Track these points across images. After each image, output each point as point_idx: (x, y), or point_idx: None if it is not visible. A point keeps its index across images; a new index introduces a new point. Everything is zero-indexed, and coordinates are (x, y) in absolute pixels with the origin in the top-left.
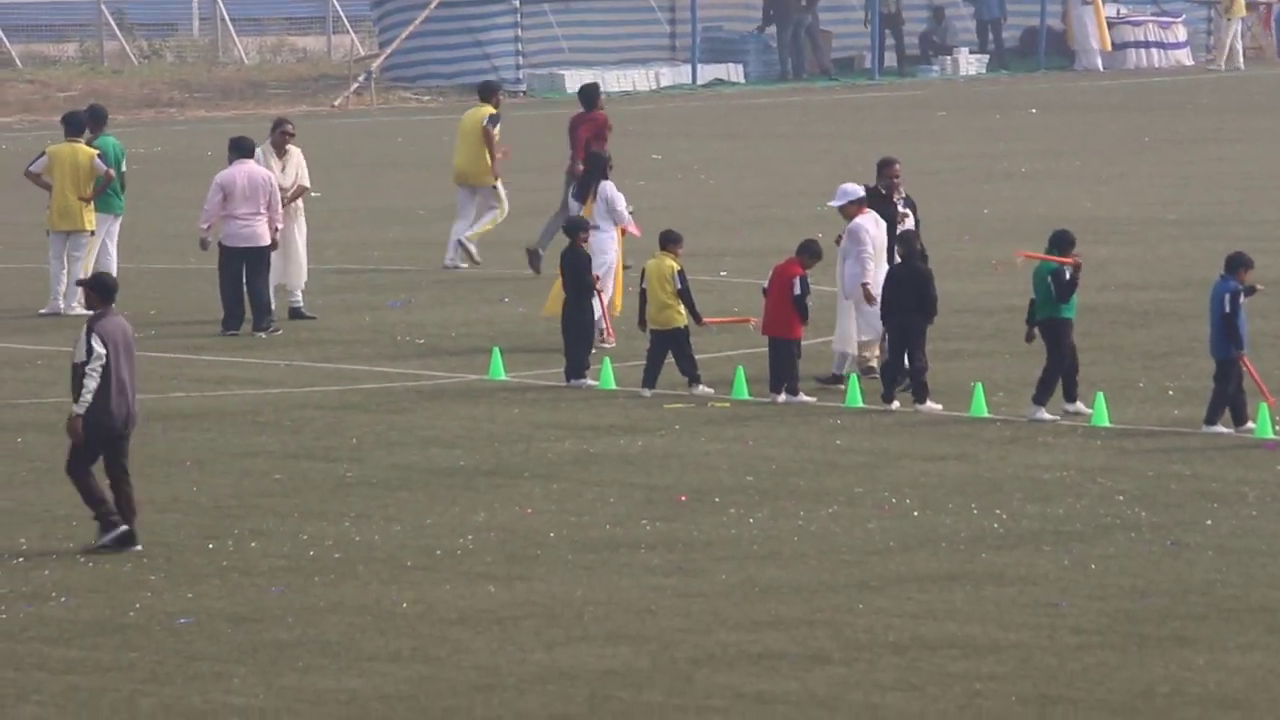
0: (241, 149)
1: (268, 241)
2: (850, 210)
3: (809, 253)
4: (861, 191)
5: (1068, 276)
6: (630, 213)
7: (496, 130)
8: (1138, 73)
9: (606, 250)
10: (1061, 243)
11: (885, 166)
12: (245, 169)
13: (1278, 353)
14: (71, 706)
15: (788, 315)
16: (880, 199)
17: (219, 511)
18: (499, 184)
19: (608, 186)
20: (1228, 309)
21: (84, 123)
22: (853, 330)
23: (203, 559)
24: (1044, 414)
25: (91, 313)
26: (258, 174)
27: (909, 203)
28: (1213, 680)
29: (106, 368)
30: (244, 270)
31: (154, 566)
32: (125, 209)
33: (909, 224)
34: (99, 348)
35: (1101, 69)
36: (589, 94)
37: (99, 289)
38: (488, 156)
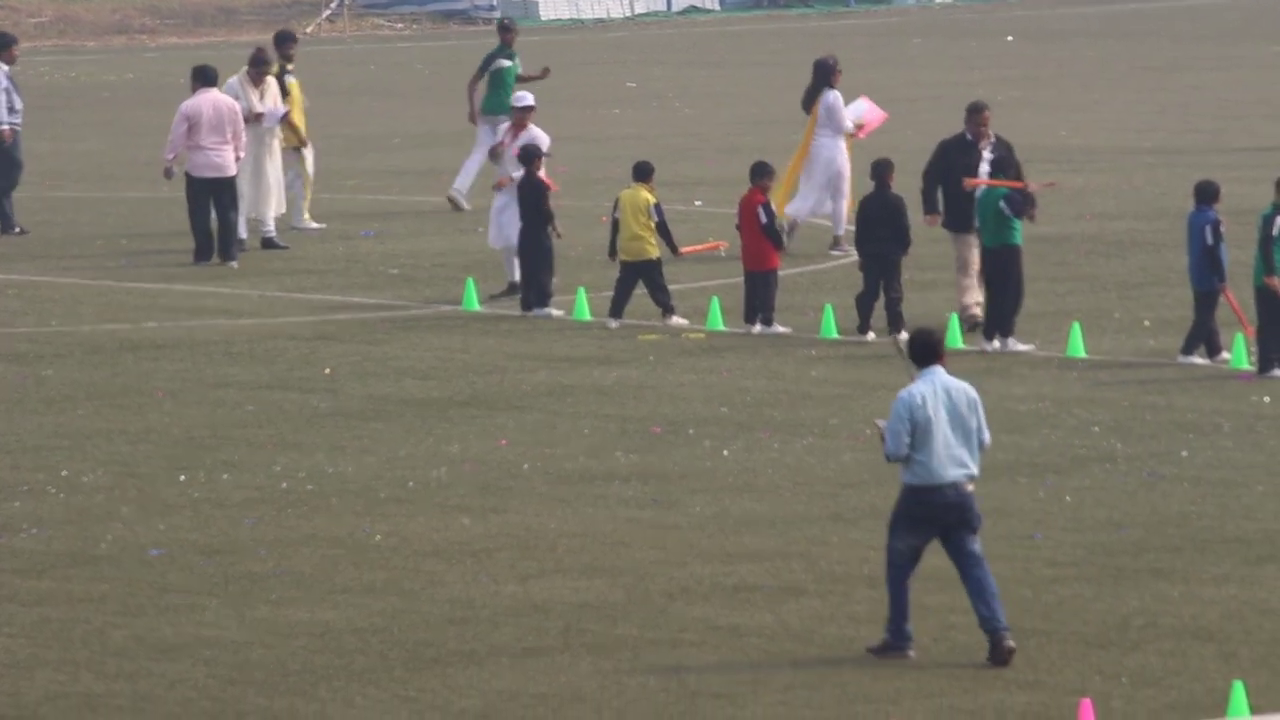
0: (205, 78)
1: (235, 171)
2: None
3: (762, 174)
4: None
5: (1025, 194)
6: (856, 119)
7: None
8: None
9: (834, 158)
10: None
11: (974, 113)
12: (210, 98)
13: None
14: (43, 638)
15: (760, 246)
16: (964, 146)
17: (191, 443)
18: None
19: (830, 95)
20: (1210, 240)
21: None
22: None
23: (175, 490)
24: (1012, 344)
25: None
26: (223, 103)
27: (999, 146)
28: (1187, 612)
29: None
30: (212, 200)
31: (125, 498)
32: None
33: (984, 169)
34: None
35: None
36: None
37: None
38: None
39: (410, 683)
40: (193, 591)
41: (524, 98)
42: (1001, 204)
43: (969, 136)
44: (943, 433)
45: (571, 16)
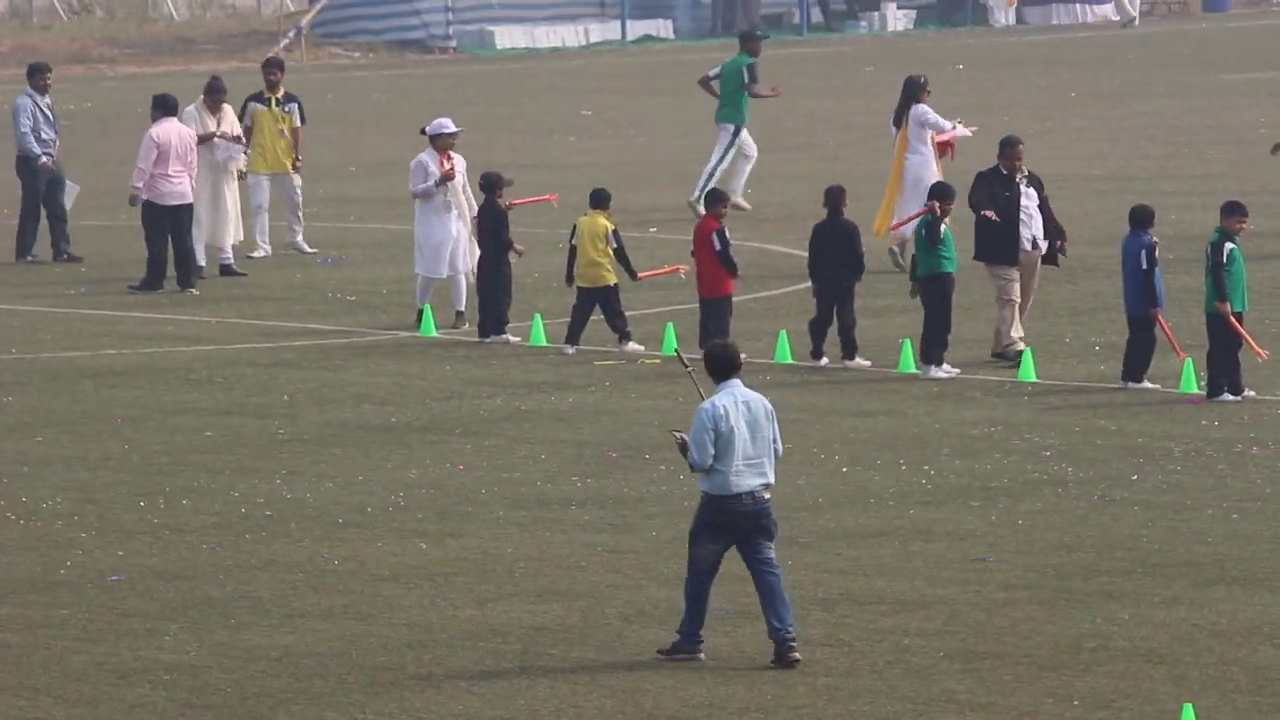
0: (167, 106)
1: (193, 198)
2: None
3: (717, 201)
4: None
5: (934, 219)
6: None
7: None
8: (1063, 28)
9: (923, 175)
10: (938, 194)
11: (1008, 147)
12: (175, 127)
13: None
14: (2, 664)
15: (714, 272)
16: (1002, 179)
17: (151, 469)
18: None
19: (918, 109)
20: (1144, 265)
21: None
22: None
23: (134, 516)
24: (941, 371)
25: None
26: (185, 132)
27: (1033, 180)
28: (1138, 634)
29: None
30: (170, 228)
31: (85, 524)
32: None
33: (1031, 207)
34: None
35: (1009, 24)
36: None
37: None
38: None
39: (368, 706)
40: (152, 616)
41: (444, 125)
42: (922, 233)
43: (1004, 170)
44: (742, 443)
45: (527, 45)
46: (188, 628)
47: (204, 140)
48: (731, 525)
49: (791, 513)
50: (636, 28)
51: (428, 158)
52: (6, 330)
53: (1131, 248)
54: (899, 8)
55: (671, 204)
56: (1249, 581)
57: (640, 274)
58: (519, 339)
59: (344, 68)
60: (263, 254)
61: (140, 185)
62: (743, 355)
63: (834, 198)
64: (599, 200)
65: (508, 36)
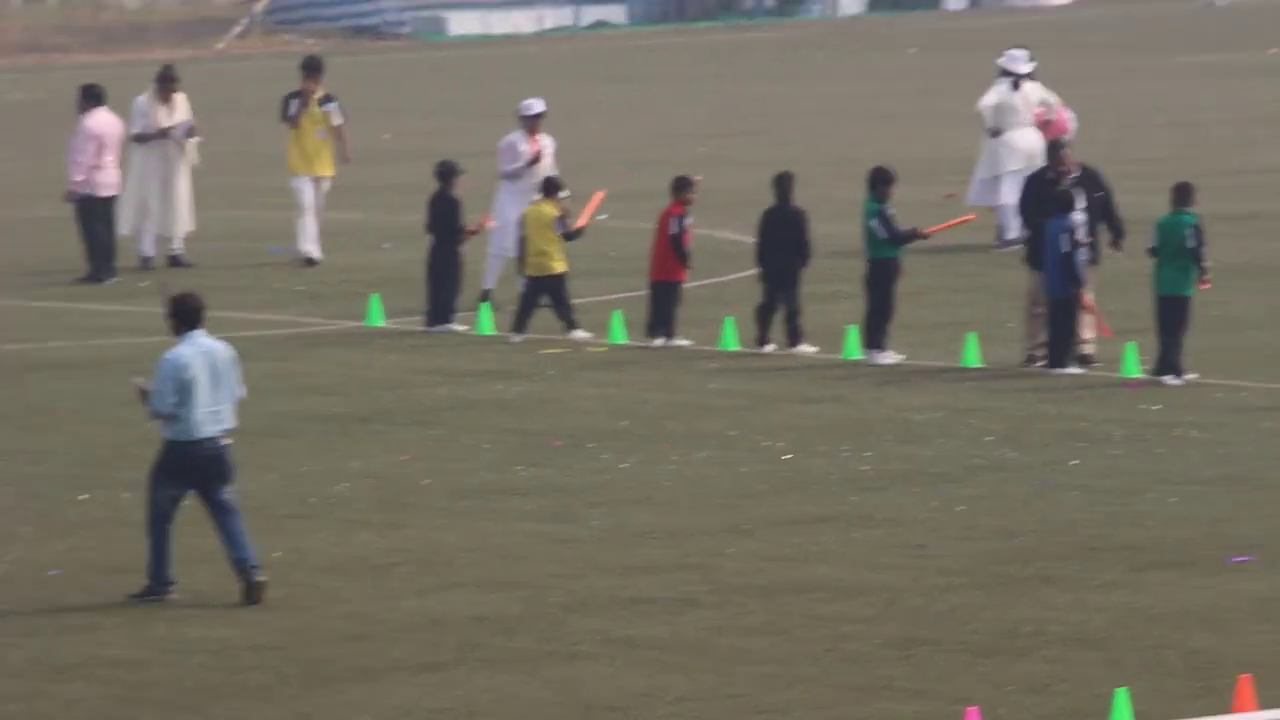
0: (97, 97)
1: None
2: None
3: (683, 188)
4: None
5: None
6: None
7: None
8: (1015, 11)
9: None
10: (879, 181)
11: (1055, 149)
12: (107, 117)
13: (1146, 292)
14: None
15: (667, 258)
16: (1049, 183)
17: (93, 462)
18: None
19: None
20: (1066, 248)
21: None
22: None
23: (76, 510)
24: (885, 357)
25: None
26: (116, 122)
27: (1083, 179)
28: (1075, 619)
29: None
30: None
31: (26, 518)
32: None
33: (1076, 212)
34: None
35: (965, 7)
36: None
37: None
38: None
39: (307, 699)
40: (91, 611)
41: (533, 105)
42: (873, 223)
43: (1050, 174)
44: (204, 392)
45: (481, 32)
46: (127, 622)
47: (162, 134)
48: (191, 469)
49: (735, 500)
50: (590, 13)
51: (517, 138)
52: None
53: (1053, 230)
54: None
55: (623, 190)
56: (1185, 565)
57: (579, 224)
58: (466, 327)
59: (297, 55)
60: (316, 255)
61: (81, 179)
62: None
63: (783, 184)
64: (548, 188)
65: (461, 22)
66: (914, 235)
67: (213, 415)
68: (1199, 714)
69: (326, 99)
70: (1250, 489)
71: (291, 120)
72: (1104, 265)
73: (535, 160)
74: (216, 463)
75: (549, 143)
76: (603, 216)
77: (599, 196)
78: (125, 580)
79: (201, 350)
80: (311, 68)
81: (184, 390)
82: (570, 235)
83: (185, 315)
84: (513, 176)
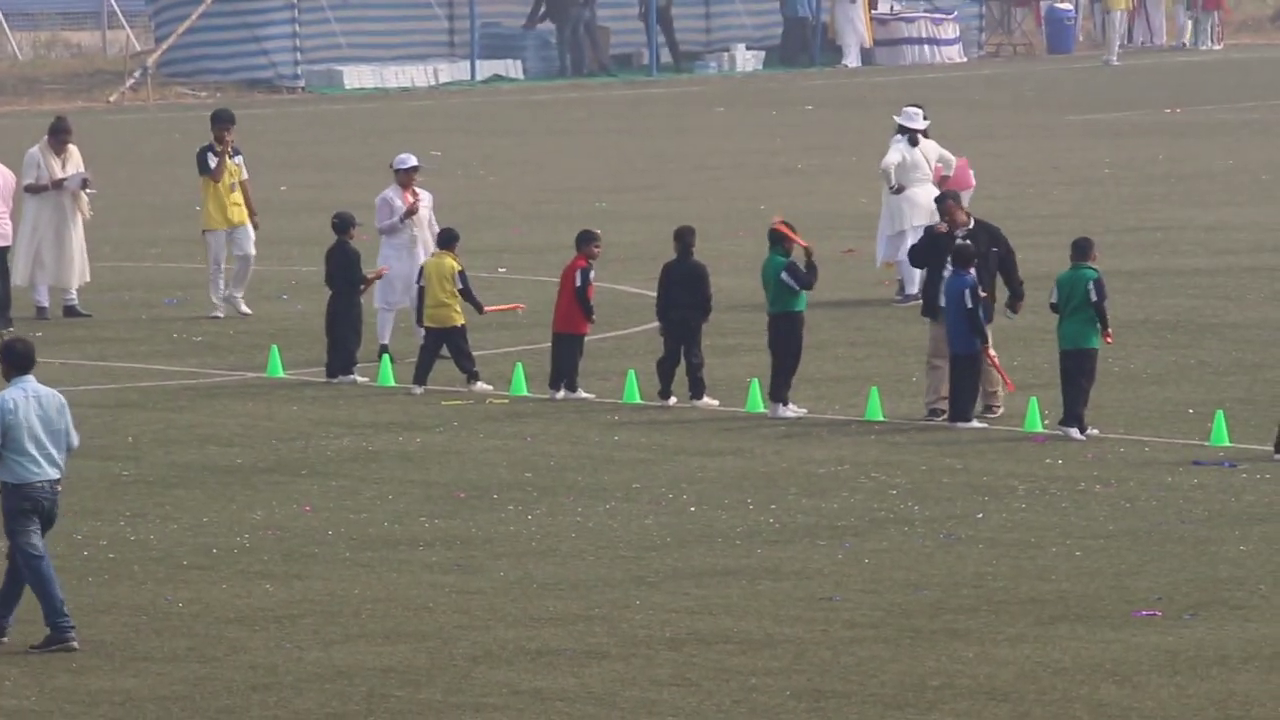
0: None
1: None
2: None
3: (588, 240)
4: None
5: (805, 264)
6: None
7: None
8: (910, 68)
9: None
10: (781, 237)
11: (941, 202)
12: (1, 169)
13: (1048, 347)
14: None
15: (571, 310)
16: (944, 237)
17: None
18: None
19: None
20: (970, 304)
21: None
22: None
23: None
24: (788, 411)
25: None
26: (9, 174)
27: (976, 233)
28: (983, 672)
29: None
30: None
31: None
32: None
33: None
34: None
35: (860, 64)
36: None
37: None
38: None
39: None
40: None
41: (407, 160)
42: (783, 276)
43: (940, 230)
44: (33, 435)
45: (376, 85)
46: (28, 672)
47: (56, 185)
48: (36, 510)
49: (640, 552)
50: (486, 68)
51: (392, 193)
52: None
53: (955, 287)
54: (748, 48)
55: (520, 244)
56: (1092, 619)
57: (486, 308)
58: (366, 379)
59: (191, 107)
60: (222, 313)
61: None
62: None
63: (684, 238)
64: (446, 240)
65: (356, 76)
66: (814, 270)
67: (48, 457)
68: None
69: (235, 151)
70: (1154, 543)
71: (214, 174)
72: (1004, 322)
73: (411, 213)
74: (52, 505)
75: (427, 197)
76: (502, 270)
77: (518, 307)
78: (26, 630)
79: (31, 395)
80: (225, 119)
81: (13, 433)
82: (471, 300)
83: (15, 360)
84: (389, 231)
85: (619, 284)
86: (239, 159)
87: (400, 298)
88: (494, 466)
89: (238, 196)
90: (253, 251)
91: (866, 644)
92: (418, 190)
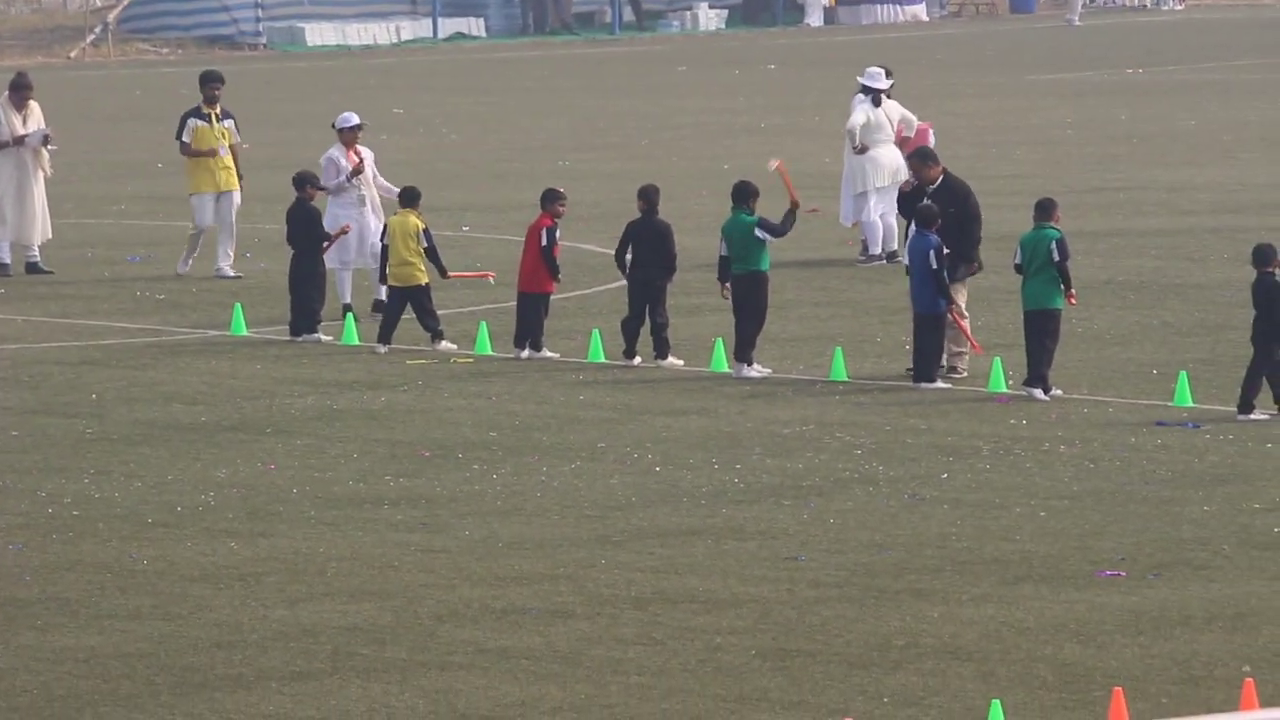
0: None
1: None
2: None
3: (553, 199)
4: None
5: (785, 214)
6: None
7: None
8: (873, 28)
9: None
10: (742, 194)
11: (913, 160)
12: None
13: (1012, 308)
14: None
15: (537, 269)
16: (916, 193)
17: None
18: None
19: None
20: (935, 265)
21: None
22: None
23: None
24: (752, 371)
25: None
26: None
27: (941, 191)
28: (947, 632)
29: None
30: None
31: None
32: None
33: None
34: None
35: (823, 24)
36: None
37: None
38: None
39: (177, 708)
40: None
41: (350, 118)
42: (757, 232)
43: (907, 187)
44: None
45: (338, 43)
46: None
47: (17, 142)
48: None
49: (605, 511)
50: (448, 25)
51: (337, 153)
52: None
53: (919, 247)
54: (710, 7)
55: (483, 202)
56: (1055, 579)
57: (450, 273)
58: (330, 337)
59: (152, 63)
60: (232, 273)
61: None
62: (554, 354)
63: (648, 196)
64: (410, 198)
65: (318, 33)
66: (792, 215)
67: None
68: None
69: (225, 114)
70: (1118, 503)
71: (185, 148)
72: (970, 281)
73: (357, 173)
74: None
75: (369, 154)
76: (465, 229)
77: (488, 275)
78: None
79: None
80: (214, 79)
81: None
82: (436, 262)
83: None
84: (336, 191)
85: (583, 243)
86: (229, 122)
87: (353, 256)
88: (459, 425)
89: (228, 160)
90: (233, 220)
91: (831, 603)
92: (359, 148)
